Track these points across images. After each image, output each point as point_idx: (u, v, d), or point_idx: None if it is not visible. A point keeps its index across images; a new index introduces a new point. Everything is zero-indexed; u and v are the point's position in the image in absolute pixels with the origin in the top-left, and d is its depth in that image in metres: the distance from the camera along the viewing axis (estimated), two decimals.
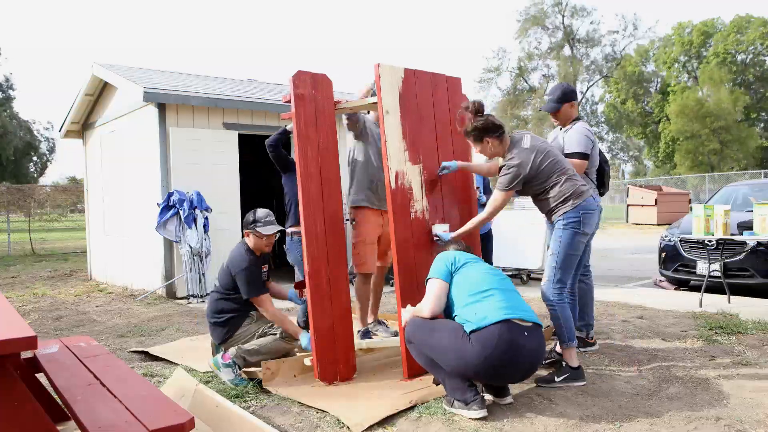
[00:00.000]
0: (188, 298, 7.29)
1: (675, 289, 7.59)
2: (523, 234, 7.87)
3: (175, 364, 4.22)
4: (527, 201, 9.81)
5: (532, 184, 3.66)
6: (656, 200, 21.89)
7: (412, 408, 3.24)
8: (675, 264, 7.43)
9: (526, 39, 45.16)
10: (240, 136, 8.19)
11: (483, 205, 4.81)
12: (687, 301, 6.39)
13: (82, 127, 10.19)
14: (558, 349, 3.83)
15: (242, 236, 4.19)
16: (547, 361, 3.82)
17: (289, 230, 4.63)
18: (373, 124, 4.46)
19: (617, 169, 56.67)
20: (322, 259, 3.76)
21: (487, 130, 3.62)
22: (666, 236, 7.74)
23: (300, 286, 4.15)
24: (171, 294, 7.46)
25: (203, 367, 4.04)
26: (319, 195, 3.84)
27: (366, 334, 4.35)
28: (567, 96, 4.26)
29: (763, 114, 42.65)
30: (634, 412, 3.11)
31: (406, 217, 3.83)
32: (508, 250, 7.89)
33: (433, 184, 4.04)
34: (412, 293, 3.77)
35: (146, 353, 4.59)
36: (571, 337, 3.63)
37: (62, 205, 19.06)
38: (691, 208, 6.42)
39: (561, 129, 4.37)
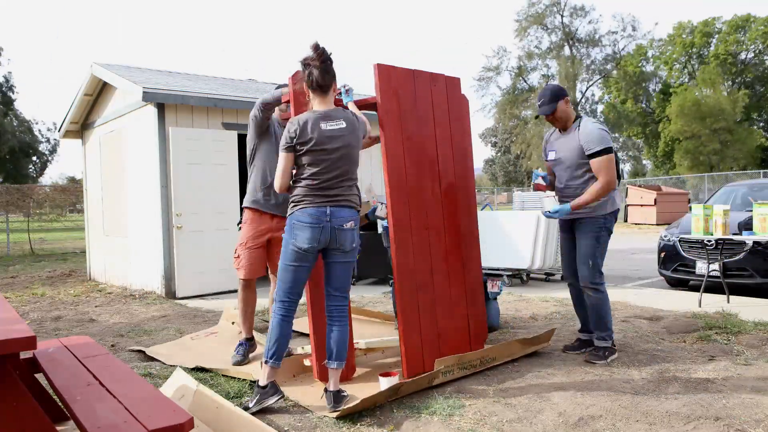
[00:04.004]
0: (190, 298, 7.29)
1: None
2: (522, 234, 7.86)
3: (173, 364, 4.21)
4: (527, 200, 9.82)
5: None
6: (655, 200, 21.90)
7: (412, 408, 3.25)
8: (674, 264, 7.43)
9: (525, 38, 45.18)
10: (239, 136, 8.19)
11: None
12: (686, 300, 6.39)
13: (81, 127, 10.18)
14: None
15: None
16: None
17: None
18: (278, 124, 4.32)
19: None
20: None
21: None
22: (665, 236, 7.75)
23: None
24: (170, 294, 7.46)
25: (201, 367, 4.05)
26: None
27: (245, 344, 4.23)
28: (558, 94, 4.17)
29: (763, 114, 42.67)
30: (633, 412, 3.12)
31: (405, 218, 3.82)
32: (506, 250, 7.89)
33: (432, 185, 4.04)
34: (412, 294, 3.78)
35: (145, 353, 4.59)
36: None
37: (61, 205, 19.03)
38: (690, 208, 6.42)
39: (562, 132, 4.27)
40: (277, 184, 3.32)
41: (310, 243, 3.22)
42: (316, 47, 3.25)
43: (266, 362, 3.25)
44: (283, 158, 3.27)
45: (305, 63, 3.26)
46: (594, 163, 4.02)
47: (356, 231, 3.38)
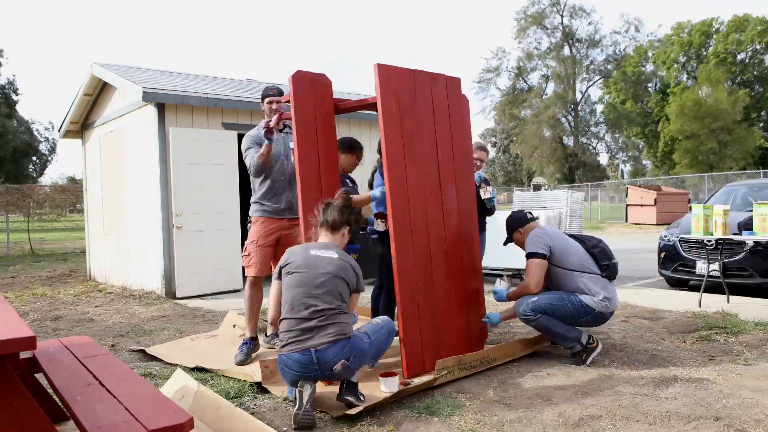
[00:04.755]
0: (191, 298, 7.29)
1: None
2: None
3: (174, 364, 4.21)
4: (527, 200, 9.82)
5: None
6: (655, 200, 21.91)
7: (412, 408, 3.25)
8: (674, 264, 7.43)
9: (525, 39, 45.20)
10: (239, 136, 8.19)
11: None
12: (686, 300, 6.39)
13: (81, 127, 10.18)
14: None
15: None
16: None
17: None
18: (278, 131, 4.37)
19: (616, 168, 56.69)
20: None
21: None
22: (665, 236, 7.74)
23: None
24: (170, 294, 7.46)
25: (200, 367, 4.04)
26: (318, 194, 3.84)
27: (249, 343, 4.24)
28: (511, 226, 4.40)
29: (763, 114, 42.68)
30: (633, 412, 3.11)
31: (405, 218, 3.82)
32: (506, 250, 7.87)
33: (432, 186, 4.04)
34: (412, 294, 3.78)
35: (145, 353, 4.59)
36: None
37: (61, 205, 19.00)
38: (690, 208, 6.42)
39: None
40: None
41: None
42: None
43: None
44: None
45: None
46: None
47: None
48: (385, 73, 3.85)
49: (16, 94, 36.05)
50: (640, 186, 25.23)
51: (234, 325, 5.13)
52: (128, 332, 5.44)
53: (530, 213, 4.48)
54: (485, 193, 4.90)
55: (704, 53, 42.55)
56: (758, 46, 40.19)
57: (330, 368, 3.11)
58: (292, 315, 3.19)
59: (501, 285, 4.35)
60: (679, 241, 7.33)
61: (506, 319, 4.36)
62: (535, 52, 45.58)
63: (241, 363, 4.09)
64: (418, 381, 3.56)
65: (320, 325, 3.13)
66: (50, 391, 2.99)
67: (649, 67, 46.87)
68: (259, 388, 3.62)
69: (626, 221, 23.56)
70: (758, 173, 26.30)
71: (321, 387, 3.58)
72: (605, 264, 4.14)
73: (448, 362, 3.68)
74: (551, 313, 4.01)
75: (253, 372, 3.78)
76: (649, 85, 47.38)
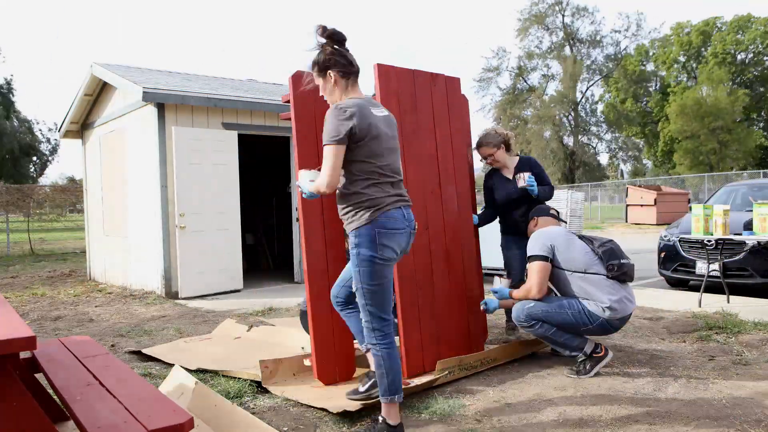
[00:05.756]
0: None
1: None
2: None
3: (173, 364, 4.21)
4: None
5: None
6: (655, 200, 21.91)
7: (412, 408, 3.24)
8: (674, 264, 7.43)
9: (526, 38, 45.21)
10: (239, 136, 8.19)
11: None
12: (686, 300, 6.39)
13: (82, 127, 10.18)
14: None
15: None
16: None
17: None
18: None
19: (616, 168, 56.66)
20: (321, 259, 3.76)
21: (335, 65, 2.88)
22: (665, 236, 7.74)
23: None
24: (170, 294, 7.46)
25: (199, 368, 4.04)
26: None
27: None
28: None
29: (763, 114, 42.68)
30: (633, 412, 3.11)
31: None
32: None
33: (432, 185, 4.04)
34: (412, 294, 3.78)
35: (144, 353, 4.58)
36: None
37: (61, 205, 19.01)
38: (690, 208, 6.42)
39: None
40: (329, 184, 2.73)
41: (399, 252, 2.85)
42: (325, 29, 2.86)
43: (392, 401, 2.82)
44: (335, 152, 2.71)
45: (332, 46, 2.87)
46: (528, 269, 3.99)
47: None
48: (385, 73, 3.86)
49: (13, 95, 36.09)
50: (640, 186, 25.23)
51: (237, 337, 4.98)
52: (128, 332, 5.44)
53: (556, 211, 4.25)
54: (520, 182, 4.48)
55: (704, 53, 42.55)
56: (761, 47, 40.15)
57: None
58: None
59: (501, 284, 4.25)
60: (679, 241, 7.33)
61: (504, 307, 4.19)
62: (536, 51, 45.62)
63: None
64: (417, 381, 3.56)
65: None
66: (50, 391, 2.99)
67: (650, 67, 46.86)
68: (259, 388, 3.62)
69: (626, 221, 23.55)
70: (758, 173, 26.30)
71: (321, 387, 3.58)
72: (613, 264, 3.73)
73: (450, 362, 3.68)
74: (548, 321, 3.74)
75: (254, 372, 3.77)
76: (650, 84, 47.38)
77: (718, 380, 3.63)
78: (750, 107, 39.72)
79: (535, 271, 3.81)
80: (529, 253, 3.89)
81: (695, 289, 6.92)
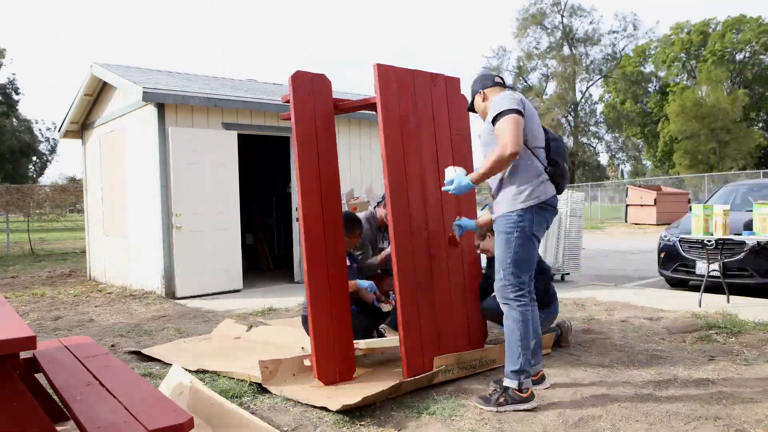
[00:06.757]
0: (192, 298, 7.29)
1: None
2: None
3: (171, 364, 4.20)
4: None
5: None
6: (655, 200, 21.91)
7: (411, 408, 3.24)
8: (674, 264, 7.43)
9: (525, 38, 45.25)
10: (239, 136, 8.19)
11: None
12: (686, 300, 6.39)
13: (82, 127, 10.18)
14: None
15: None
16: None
17: None
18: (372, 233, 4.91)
19: (616, 168, 56.69)
20: (321, 259, 3.76)
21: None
22: (665, 236, 7.75)
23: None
24: (170, 294, 7.46)
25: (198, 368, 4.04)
26: (318, 195, 3.84)
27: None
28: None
29: (762, 114, 42.68)
30: (633, 412, 3.12)
31: (405, 221, 3.82)
32: None
33: (432, 186, 4.03)
34: (412, 294, 3.78)
35: (143, 353, 4.58)
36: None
37: (61, 205, 19.01)
38: (690, 208, 6.42)
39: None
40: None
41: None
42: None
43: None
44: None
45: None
46: (495, 132, 3.26)
47: None
48: (385, 73, 3.85)
49: (17, 93, 36.08)
50: (640, 186, 25.22)
51: (237, 337, 5.01)
52: (128, 332, 5.44)
53: (501, 77, 3.70)
54: None
55: (703, 53, 42.55)
56: (756, 47, 40.16)
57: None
58: None
59: (455, 173, 3.35)
60: (679, 241, 7.33)
61: (484, 225, 3.94)
62: (535, 51, 45.64)
63: None
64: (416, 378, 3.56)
65: None
66: (50, 391, 2.99)
67: (649, 67, 46.87)
68: (259, 388, 3.62)
69: (626, 221, 23.56)
70: (758, 173, 26.31)
71: (321, 387, 3.58)
72: (553, 159, 3.38)
73: (448, 359, 3.68)
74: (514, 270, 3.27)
75: (254, 372, 3.77)
76: (649, 85, 47.38)
77: (718, 380, 3.63)
78: (749, 107, 39.71)
79: (509, 123, 3.15)
80: (497, 111, 3.24)
81: (695, 289, 6.92)
